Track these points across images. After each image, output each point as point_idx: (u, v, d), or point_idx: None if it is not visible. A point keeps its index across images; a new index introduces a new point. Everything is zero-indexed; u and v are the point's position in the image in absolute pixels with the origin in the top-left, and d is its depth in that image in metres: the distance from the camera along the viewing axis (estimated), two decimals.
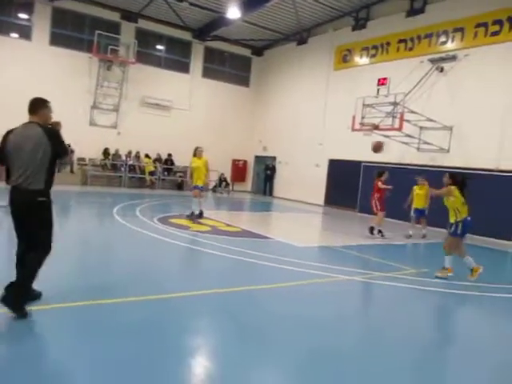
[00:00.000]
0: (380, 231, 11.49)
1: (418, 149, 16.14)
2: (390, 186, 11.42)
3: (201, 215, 12.06)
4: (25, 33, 20.14)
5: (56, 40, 20.70)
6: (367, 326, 5.14)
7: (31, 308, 4.21)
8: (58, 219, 11.38)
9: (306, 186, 21.51)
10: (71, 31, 21.25)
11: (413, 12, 17.28)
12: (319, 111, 21.18)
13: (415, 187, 12.13)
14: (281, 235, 10.54)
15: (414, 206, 12.18)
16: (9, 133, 4.30)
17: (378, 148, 13.51)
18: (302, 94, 22.53)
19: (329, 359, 3.95)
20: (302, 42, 23.03)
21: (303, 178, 21.68)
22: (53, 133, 4.34)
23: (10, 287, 4.07)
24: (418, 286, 6.84)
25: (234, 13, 19.26)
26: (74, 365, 3.38)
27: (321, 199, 20.80)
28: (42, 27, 20.31)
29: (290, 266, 7.24)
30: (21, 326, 3.94)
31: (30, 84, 19.32)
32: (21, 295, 4.09)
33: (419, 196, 12.00)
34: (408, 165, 15.96)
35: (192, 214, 11.79)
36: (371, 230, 11.50)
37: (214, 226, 10.94)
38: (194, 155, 12.14)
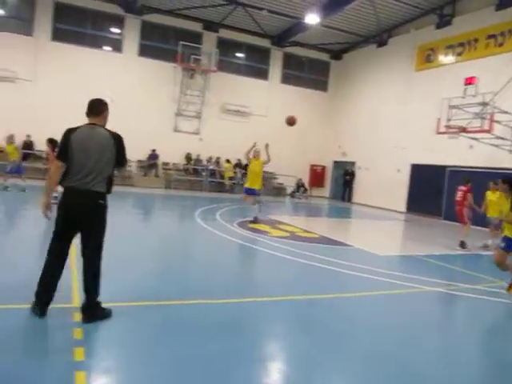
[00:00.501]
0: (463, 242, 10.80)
1: (511, 151, 15.07)
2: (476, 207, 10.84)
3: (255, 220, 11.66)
4: (116, 46, 21.70)
5: (144, 51, 22.06)
6: (447, 341, 4.88)
7: (121, 304, 4.51)
8: (144, 221, 12.08)
9: (386, 192, 20.88)
10: (157, 42, 22.51)
11: (503, 5, 16.22)
12: (400, 114, 20.51)
13: (488, 192, 11.14)
14: (361, 243, 10.32)
15: (488, 214, 11.05)
16: (70, 131, 4.15)
17: (292, 121, 11.91)
18: (383, 97, 21.96)
19: (404, 372, 3.82)
20: (381, 43, 22.48)
21: (384, 184, 21.07)
22: (119, 139, 4.27)
23: (85, 305, 4.13)
24: (509, 300, 6.37)
25: (312, 18, 19.25)
26: (152, 362, 3.56)
27: (402, 206, 20.09)
28: (131, 40, 21.78)
29: (370, 274, 7.08)
30: (98, 325, 4.22)
31: (120, 94, 20.78)
32: (96, 302, 4.17)
33: (492, 203, 10.88)
34: (499, 168, 14.94)
35: (256, 218, 11.61)
36: (462, 244, 10.71)
37: (292, 232, 10.97)
38: (253, 156, 11.66)
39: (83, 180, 4.05)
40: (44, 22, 20.21)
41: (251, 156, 11.69)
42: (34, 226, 8.83)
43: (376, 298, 6.01)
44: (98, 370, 3.34)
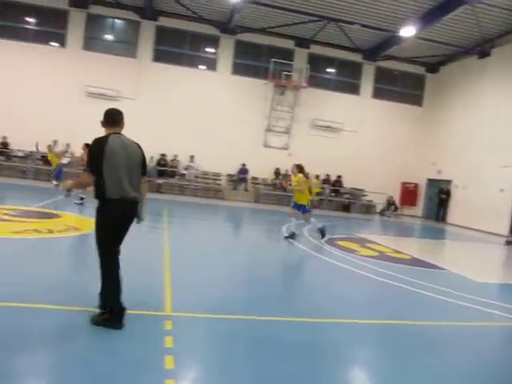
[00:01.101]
0: None
1: None
2: None
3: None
4: (211, 64, 22.74)
5: (237, 69, 22.85)
6: None
7: (211, 315, 4.63)
8: (234, 234, 12.36)
9: (486, 213, 19.33)
10: (250, 60, 23.20)
11: None
12: (505, 129, 19.05)
13: None
14: (456, 267, 9.68)
15: None
16: (102, 142, 3.95)
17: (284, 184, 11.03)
18: (484, 111, 20.55)
19: None
20: (484, 54, 21.10)
21: (484, 204, 19.53)
22: (142, 149, 4.27)
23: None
24: None
25: (408, 30, 18.69)
26: (234, 376, 3.58)
27: (505, 229, 18.48)
28: (225, 58, 22.70)
29: (465, 302, 6.59)
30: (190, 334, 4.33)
31: (214, 111, 21.78)
32: None
33: None
34: None
35: (322, 229, 10.78)
36: None
37: (382, 252, 10.59)
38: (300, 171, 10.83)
39: (131, 189, 4.04)
40: (146, 45, 21.77)
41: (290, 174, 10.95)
42: None
43: (471, 330, 5.57)
44: (185, 379, 3.46)
